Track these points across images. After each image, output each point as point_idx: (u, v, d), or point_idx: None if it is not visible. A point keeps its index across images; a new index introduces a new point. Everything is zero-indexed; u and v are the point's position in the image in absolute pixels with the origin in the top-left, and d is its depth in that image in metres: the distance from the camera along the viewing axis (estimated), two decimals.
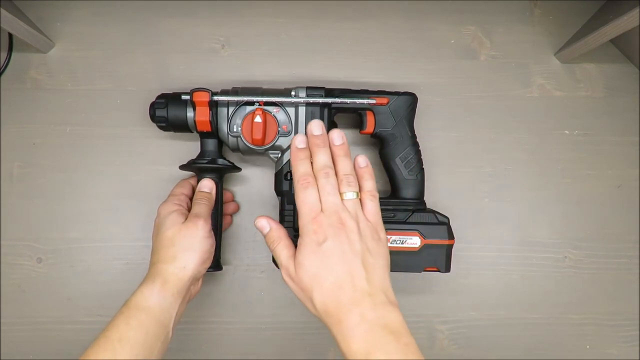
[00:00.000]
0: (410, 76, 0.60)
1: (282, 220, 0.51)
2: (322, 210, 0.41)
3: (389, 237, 0.49)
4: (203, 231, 0.46)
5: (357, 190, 0.43)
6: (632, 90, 0.61)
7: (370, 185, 0.44)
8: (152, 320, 0.42)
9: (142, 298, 0.43)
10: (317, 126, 0.45)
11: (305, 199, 0.41)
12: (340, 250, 0.39)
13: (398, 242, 0.50)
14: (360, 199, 0.43)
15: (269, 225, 0.45)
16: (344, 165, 0.43)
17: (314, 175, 0.43)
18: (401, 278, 0.57)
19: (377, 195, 0.44)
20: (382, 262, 0.41)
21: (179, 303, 0.44)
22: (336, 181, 0.42)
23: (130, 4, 0.60)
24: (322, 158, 0.43)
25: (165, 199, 0.50)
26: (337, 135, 0.44)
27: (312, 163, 0.44)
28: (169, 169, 0.57)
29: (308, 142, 0.45)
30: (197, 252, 0.46)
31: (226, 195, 0.57)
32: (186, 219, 0.47)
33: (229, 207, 0.57)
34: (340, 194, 0.42)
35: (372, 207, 0.43)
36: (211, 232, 0.48)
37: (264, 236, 0.45)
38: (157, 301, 0.43)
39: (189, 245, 0.45)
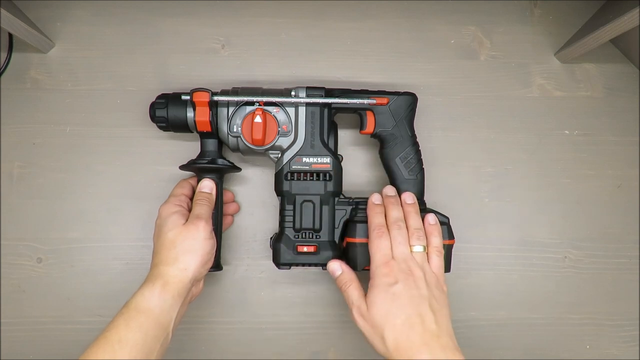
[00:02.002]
0: (410, 76, 0.60)
1: (282, 220, 0.51)
2: (392, 257, 0.45)
3: None
4: (204, 233, 0.46)
5: (425, 244, 0.47)
6: (632, 90, 0.61)
7: (437, 241, 0.48)
8: (152, 322, 0.42)
9: (142, 300, 0.43)
10: (391, 190, 0.51)
11: (379, 246, 0.46)
12: (409, 294, 0.43)
13: None
14: (427, 253, 0.47)
15: (340, 269, 0.48)
16: (415, 221, 0.48)
17: (387, 227, 0.47)
18: None
19: (443, 252, 0.48)
20: (446, 311, 0.44)
21: (179, 305, 0.44)
22: (407, 233, 0.47)
23: (130, 4, 0.60)
24: (395, 213, 0.48)
25: (165, 200, 0.50)
26: (409, 197, 0.50)
27: (385, 217, 0.48)
28: (169, 169, 0.57)
29: (383, 200, 0.50)
30: (198, 253, 0.46)
31: (227, 196, 0.57)
32: (187, 220, 0.47)
33: (229, 207, 0.57)
34: (410, 246, 0.46)
35: (438, 261, 0.47)
36: (212, 233, 0.48)
37: (335, 278, 0.48)
38: (158, 303, 0.43)
39: (190, 247, 0.46)
